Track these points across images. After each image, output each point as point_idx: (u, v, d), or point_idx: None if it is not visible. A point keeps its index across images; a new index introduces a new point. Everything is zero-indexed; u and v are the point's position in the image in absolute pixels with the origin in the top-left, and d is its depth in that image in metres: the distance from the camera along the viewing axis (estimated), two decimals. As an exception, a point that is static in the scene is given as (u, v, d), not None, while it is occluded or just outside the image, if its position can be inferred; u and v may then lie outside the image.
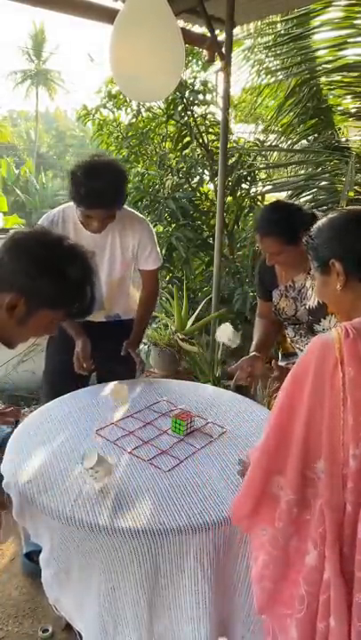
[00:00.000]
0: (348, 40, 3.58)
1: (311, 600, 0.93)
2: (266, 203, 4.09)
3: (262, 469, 0.99)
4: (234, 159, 3.91)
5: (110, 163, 1.90)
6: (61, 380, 2.04)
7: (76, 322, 2.00)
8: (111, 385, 1.91)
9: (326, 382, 0.89)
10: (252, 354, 1.94)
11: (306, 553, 0.94)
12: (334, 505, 0.89)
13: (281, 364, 2.02)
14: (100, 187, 1.75)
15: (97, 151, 1.90)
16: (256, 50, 3.98)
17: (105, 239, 2.00)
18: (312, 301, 1.77)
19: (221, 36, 3.00)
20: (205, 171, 4.10)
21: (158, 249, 2.16)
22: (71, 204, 1.94)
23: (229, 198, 4.02)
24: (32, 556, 1.98)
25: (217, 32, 3.00)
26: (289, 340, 2.00)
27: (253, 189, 4.11)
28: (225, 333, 2.06)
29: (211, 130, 4.06)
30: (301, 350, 1.90)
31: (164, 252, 3.95)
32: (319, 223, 1.10)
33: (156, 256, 2.13)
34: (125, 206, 2.01)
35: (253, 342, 2.04)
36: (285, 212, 1.72)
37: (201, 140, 4.01)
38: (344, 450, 0.88)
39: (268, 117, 4.23)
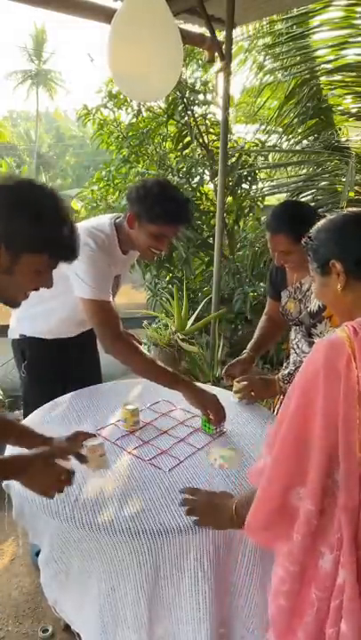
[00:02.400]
0: (349, 40, 3.58)
1: (321, 605, 0.90)
2: (266, 203, 4.10)
3: (281, 482, 0.94)
4: (234, 159, 3.91)
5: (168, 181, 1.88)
6: (51, 390, 1.96)
7: (169, 372, 1.73)
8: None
9: (340, 381, 0.85)
10: (244, 353, 1.98)
11: (319, 558, 0.91)
12: (350, 507, 0.86)
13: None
14: (184, 201, 1.73)
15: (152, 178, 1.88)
16: (256, 50, 3.98)
17: (129, 261, 2.00)
18: (313, 305, 1.77)
19: (221, 36, 3.00)
20: (206, 171, 4.10)
21: None
22: (107, 224, 1.82)
23: (229, 198, 4.02)
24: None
25: (217, 32, 3.00)
26: (291, 342, 1.99)
27: (254, 189, 4.11)
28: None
29: (211, 130, 4.06)
30: (297, 353, 1.90)
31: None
32: (318, 224, 1.10)
33: None
34: None
35: (252, 340, 2.07)
36: (297, 211, 1.70)
37: (201, 140, 4.01)
38: (360, 449, 0.85)
39: (269, 117, 4.22)
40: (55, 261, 1.12)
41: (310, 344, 1.80)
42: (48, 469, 1.16)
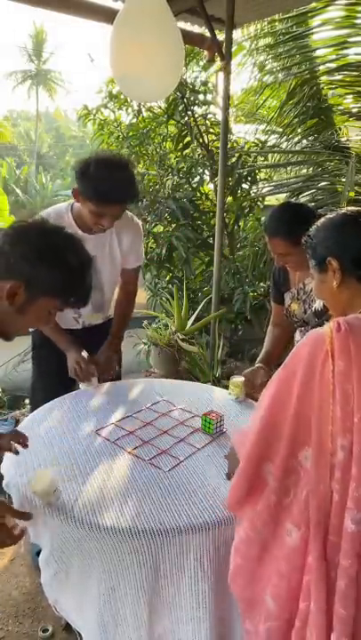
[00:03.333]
0: (349, 39, 3.57)
1: (292, 577, 0.95)
2: (266, 203, 4.10)
3: (254, 459, 1.00)
4: (234, 159, 3.91)
5: (121, 156, 1.80)
6: (53, 383, 1.99)
7: (64, 333, 1.95)
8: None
9: (316, 374, 0.91)
10: (256, 365, 1.95)
11: (286, 535, 0.96)
12: (320, 494, 0.91)
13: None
14: (120, 180, 1.68)
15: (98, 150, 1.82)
16: (256, 50, 3.98)
17: (105, 241, 1.93)
18: (318, 304, 1.77)
19: (221, 36, 3.00)
20: (206, 171, 4.10)
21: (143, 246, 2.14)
22: (63, 208, 1.86)
23: (229, 198, 4.02)
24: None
25: (217, 32, 3.00)
26: (295, 342, 2.00)
27: (254, 189, 4.11)
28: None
29: (211, 130, 4.06)
30: None
31: (164, 251, 3.95)
32: (318, 223, 1.13)
33: (141, 254, 2.10)
34: None
35: (261, 353, 2.04)
36: (295, 213, 1.70)
37: (201, 140, 4.01)
38: (333, 440, 0.90)
39: (269, 117, 4.23)
40: (67, 306, 1.16)
41: None
42: None
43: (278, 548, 0.98)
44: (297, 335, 1.95)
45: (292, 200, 3.41)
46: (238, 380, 1.87)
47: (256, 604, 1.02)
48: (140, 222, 2.06)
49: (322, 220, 1.12)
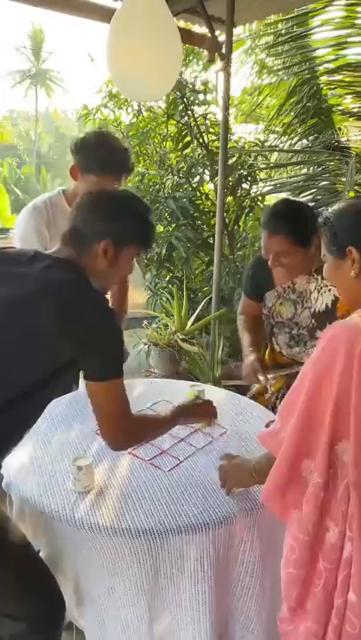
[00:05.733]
0: (349, 40, 3.58)
1: (329, 575, 0.96)
2: (266, 202, 4.10)
3: (292, 454, 0.99)
4: (234, 159, 3.91)
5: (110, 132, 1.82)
6: None
7: None
8: None
9: (355, 364, 0.91)
10: (251, 357, 1.82)
11: (326, 531, 0.96)
12: None
13: (270, 375, 1.82)
14: (119, 150, 1.70)
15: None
16: (256, 49, 3.98)
17: None
18: (319, 305, 1.69)
19: (221, 36, 3.00)
20: (206, 170, 4.10)
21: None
22: (54, 196, 1.84)
23: (230, 198, 4.02)
24: None
25: (217, 32, 3.00)
26: (278, 347, 1.90)
27: (254, 189, 4.11)
28: None
29: (211, 130, 4.06)
30: (295, 360, 1.84)
31: (164, 251, 3.95)
32: (341, 207, 1.09)
33: None
34: None
35: (246, 342, 1.90)
36: (300, 211, 1.62)
37: (201, 140, 4.01)
38: None
39: (269, 117, 4.23)
40: (145, 247, 1.37)
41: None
42: None
43: (320, 547, 0.97)
44: (282, 337, 1.85)
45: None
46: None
47: (303, 607, 1.02)
48: None
49: (344, 205, 1.08)
